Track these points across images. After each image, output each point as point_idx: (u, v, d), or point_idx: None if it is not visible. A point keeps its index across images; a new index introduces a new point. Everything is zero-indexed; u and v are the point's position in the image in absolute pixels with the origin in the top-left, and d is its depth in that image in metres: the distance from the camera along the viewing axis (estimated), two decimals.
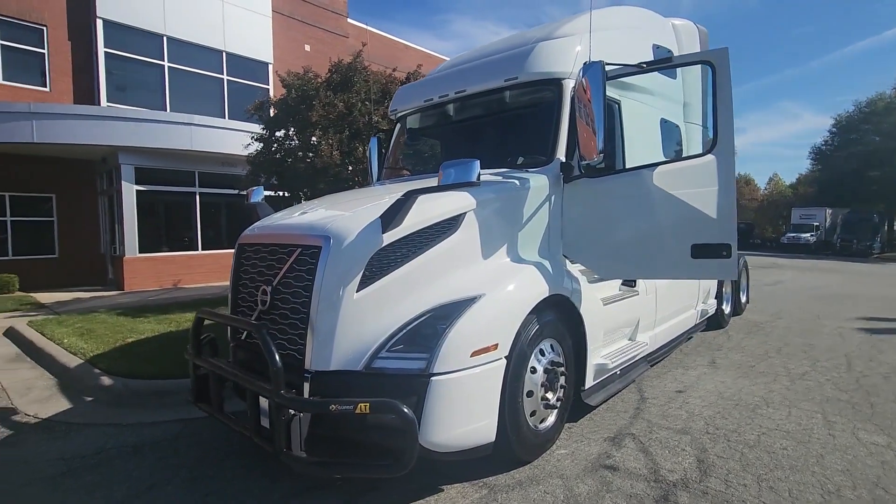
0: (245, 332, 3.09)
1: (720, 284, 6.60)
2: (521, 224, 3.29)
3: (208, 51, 15.05)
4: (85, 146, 11.54)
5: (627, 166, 3.82)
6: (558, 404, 3.20)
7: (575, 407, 3.50)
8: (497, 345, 2.70)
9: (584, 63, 3.13)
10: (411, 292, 2.72)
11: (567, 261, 3.57)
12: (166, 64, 14.18)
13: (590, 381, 3.56)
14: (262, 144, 9.16)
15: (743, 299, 8.01)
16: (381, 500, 2.69)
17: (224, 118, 14.01)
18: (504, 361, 2.75)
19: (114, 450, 3.38)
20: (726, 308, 7.04)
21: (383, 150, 5.08)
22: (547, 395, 3.10)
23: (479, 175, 2.73)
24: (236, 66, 15.59)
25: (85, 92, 13.02)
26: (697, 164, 3.21)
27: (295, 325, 2.69)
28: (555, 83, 3.64)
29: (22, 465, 3.20)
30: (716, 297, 6.55)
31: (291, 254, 2.77)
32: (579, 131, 3.18)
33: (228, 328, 3.26)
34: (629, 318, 4.28)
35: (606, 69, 3.12)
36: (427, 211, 2.81)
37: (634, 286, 4.37)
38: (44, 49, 12.59)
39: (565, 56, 3.65)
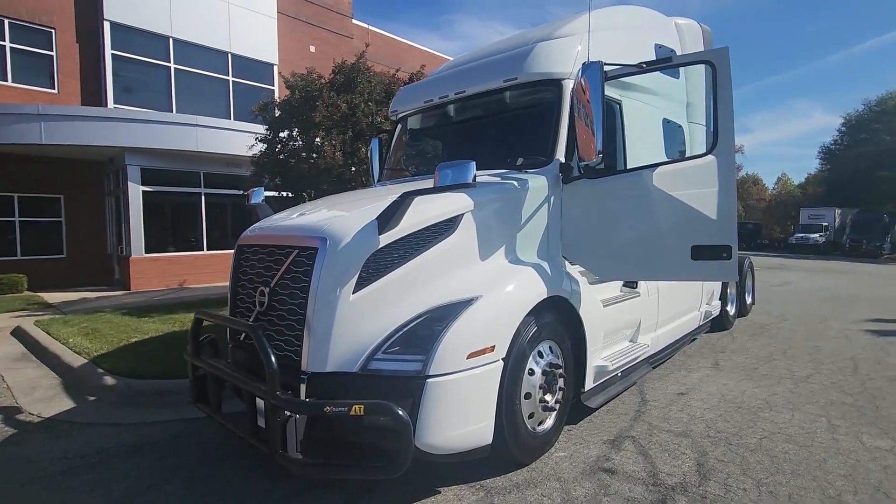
0: (243, 334, 3.10)
1: (724, 286, 6.54)
2: (520, 225, 3.27)
3: (214, 52, 15.16)
4: (92, 147, 11.66)
5: (628, 167, 3.81)
6: (557, 406, 3.18)
7: (575, 409, 3.49)
8: (494, 347, 2.69)
9: (583, 63, 3.11)
10: (408, 294, 2.71)
11: (567, 262, 3.55)
12: (172, 65, 14.29)
13: (589, 384, 3.54)
14: (265, 145, 9.21)
15: (748, 301, 7.94)
16: (377, 501, 2.69)
17: (230, 119, 14.11)
18: (501, 363, 2.74)
19: (114, 449, 3.41)
20: (731, 309, 6.98)
21: (385, 151, 5.09)
22: (545, 397, 3.09)
23: (476, 176, 2.73)
24: (242, 67, 15.69)
25: (92, 94, 13.16)
26: (697, 165, 3.18)
27: (292, 327, 2.70)
28: (554, 84, 3.62)
29: (25, 463, 3.23)
30: (720, 299, 6.50)
31: (289, 255, 2.78)
32: (578, 132, 3.16)
33: (228, 329, 3.27)
34: (630, 320, 4.25)
35: (605, 69, 3.10)
36: (424, 212, 2.80)
37: (636, 287, 4.34)
38: (52, 51, 12.73)
39: (565, 56, 3.63)
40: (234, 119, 14.01)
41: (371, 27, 20.47)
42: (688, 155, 4.99)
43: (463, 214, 2.96)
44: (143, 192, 12.14)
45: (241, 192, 10.66)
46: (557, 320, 3.21)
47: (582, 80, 3.07)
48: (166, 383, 4.38)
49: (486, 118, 4.16)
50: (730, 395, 4.24)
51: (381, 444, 2.45)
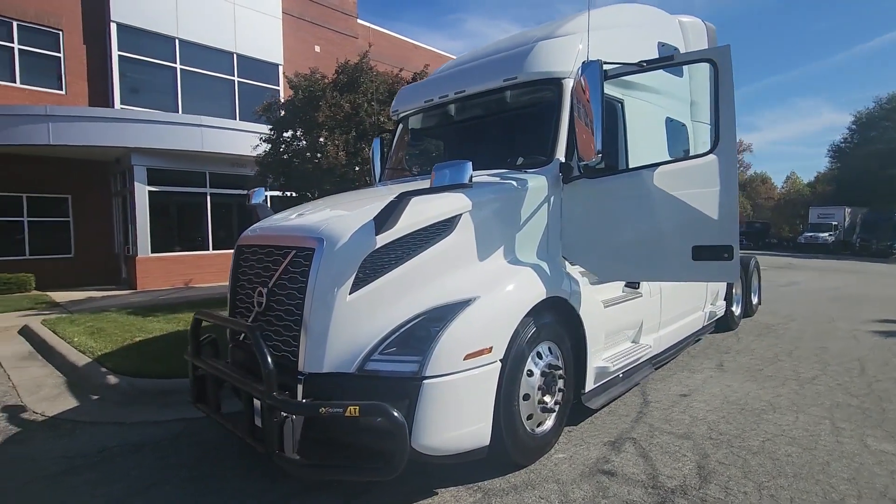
0: (242, 334, 3.11)
1: (730, 286, 6.48)
2: (519, 225, 3.25)
3: (219, 53, 15.24)
4: (99, 147, 11.76)
5: (630, 166, 3.77)
6: (556, 408, 3.16)
7: (575, 410, 3.47)
8: (491, 348, 2.68)
9: (583, 62, 3.09)
10: (405, 294, 2.71)
11: (567, 262, 3.53)
12: (178, 66, 14.39)
13: (590, 385, 3.51)
14: (269, 145, 9.24)
15: (754, 301, 7.86)
16: (374, 502, 2.68)
17: (235, 119, 14.17)
18: (499, 365, 2.72)
19: (116, 448, 3.43)
20: (736, 310, 6.91)
21: (386, 151, 5.09)
22: (544, 398, 3.07)
23: (472, 176, 2.71)
24: (247, 67, 15.76)
25: (99, 95, 13.27)
26: (698, 164, 3.15)
27: (289, 327, 2.70)
28: (555, 83, 3.60)
29: (27, 462, 3.26)
30: (725, 299, 6.43)
31: (286, 255, 2.78)
32: (577, 131, 3.14)
33: (228, 329, 3.28)
34: (632, 321, 4.22)
35: (605, 68, 3.07)
36: (422, 213, 2.79)
37: (638, 288, 4.31)
38: (60, 53, 12.85)
39: (565, 55, 3.61)
40: (240, 119, 14.07)
41: (376, 27, 20.50)
42: (692, 154, 4.93)
43: (461, 215, 2.94)
44: (150, 192, 12.23)
45: (245, 192, 10.73)
46: (557, 321, 3.19)
47: (581, 79, 3.05)
48: (169, 383, 4.41)
49: (487, 118, 4.14)
50: (733, 397, 4.19)
51: (377, 445, 2.45)
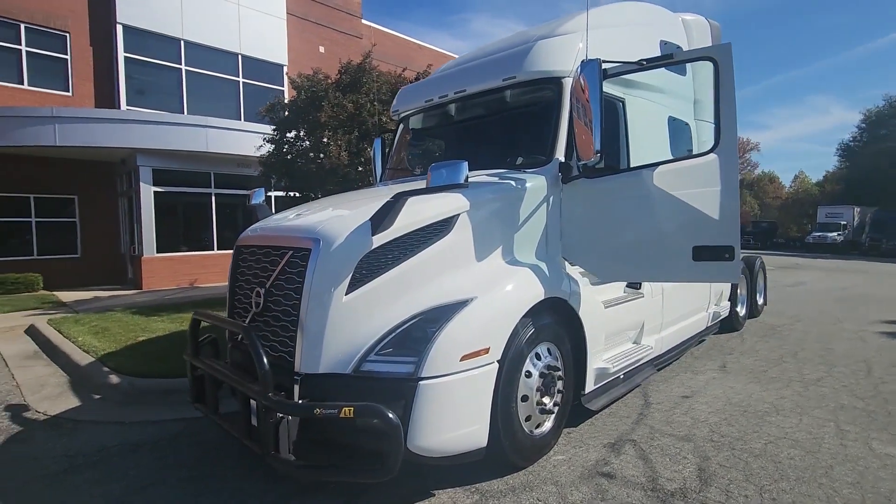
0: (240, 334, 3.11)
1: (734, 286, 6.41)
2: (518, 226, 3.23)
3: (224, 54, 15.31)
4: (105, 149, 11.86)
5: (631, 166, 3.74)
6: (555, 409, 3.14)
7: (576, 412, 3.44)
8: (489, 349, 2.66)
9: (582, 61, 3.06)
10: (402, 295, 2.69)
11: (567, 263, 3.50)
12: (184, 67, 14.47)
13: (590, 386, 3.49)
14: (273, 146, 9.27)
15: (760, 301, 7.78)
16: (373, 503, 2.67)
17: (240, 120, 14.24)
18: (496, 366, 2.70)
19: (115, 448, 3.45)
20: (741, 310, 6.84)
21: (388, 151, 5.08)
22: (543, 399, 3.04)
23: (468, 177, 2.69)
24: (252, 68, 15.83)
25: (106, 96, 13.37)
26: (699, 164, 3.11)
27: (286, 328, 2.69)
28: (554, 82, 3.57)
29: (28, 461, 3.28)
30: (729, 300, 6.36)
31: (283, 256, 2.78)
32: (576, 131, 3.11)
33: (227, 329, 3.29)
34: (633, 321, 4.18)
35: (605, 67, 3.04)
36: (419, 213, 2.78)
37: (640, 288, 4.27)
38: (67, 55, 12.96)
39: (565, 54, 3.58)
40: (245, 120, 14.14)
41: (381, 27, 20.52)
42: (695, 153, 4.89)
43: (458, 215, 2.92)
44: (155, 192, 12.31)
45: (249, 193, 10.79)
46: (556, 322, 3.16)
47: (580, 78, 3.02)
48: (170, 382, 4.42)
49: (487, 117, 4.12)
50: (736, 399, 4.15)
51: (372, 446, 2.43)
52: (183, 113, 14.07)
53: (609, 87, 3.69)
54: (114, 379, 4.64)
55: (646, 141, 4.18)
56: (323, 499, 2.72)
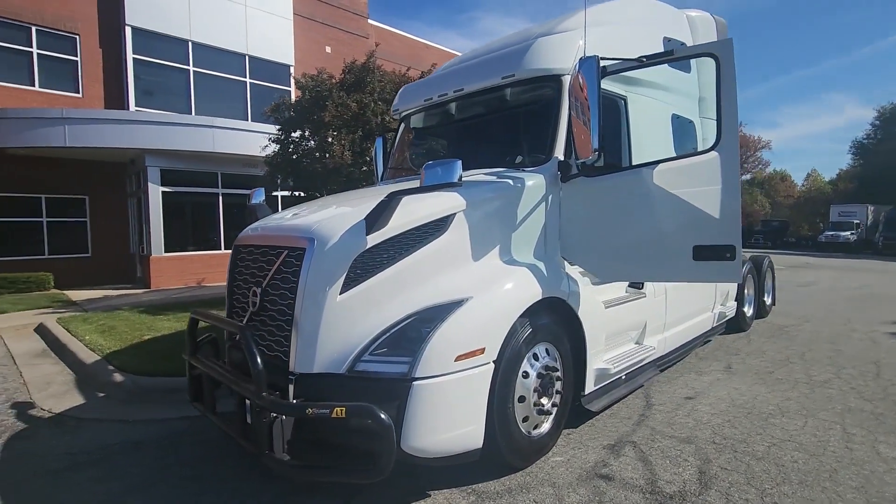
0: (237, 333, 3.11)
1: (741, 286, 6.33)
2: (515, 225, 3.21)
3: (232, 55, 15.43)
4: (114, 149, 12.00)
5: (632, 164, 3.70)
6: (554, 410, 3.11)
7: (575, 413, 3.41)
8: (484, 349, 2.64)
9: (580, 58, 3.03)
10: (397, 295, 2.68)
11: (566, 262, 3.47)
12: (191, 68, 14.60)
13: (590, 387, 3.45)
14: (278, 146, 9.31)
15: (767, 301, 7.66)
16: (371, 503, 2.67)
17: (247, 120, 14.33)
18: (492, 366, 2.68)
19: (117, 445, 3.48)
20: (748, 310, 6.75)
21: (389, 150, 5.07)
22: (541, 400, 3.02)
23: (462, 176, 2.67)
24: (259, 68, 15.93)
25: (115, 97, 13.53)
26: (700, 162, 3.06)
27: (281, 327, 2.70)
28: (553, 80, 3.54)
29: (31, 458, 3.32)
30: (736, 300, 6.28)
31: (279, 255, 2.78)
32: (574, 129, 3.08)
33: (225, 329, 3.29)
34: (635, 322, 4.14)
35: (604, 64, 3.01)
36: (414, 212, 2.77)
37: (642, 288, 4.22)
38: (77, 57, 13.13)
39: (565, 52, 3.54)
40: (252, 120, 14.22)
41: (387, 27, 20.53)
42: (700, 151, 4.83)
43: (455, 214, 2.91)
44: (163, 192, 12.42)
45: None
46: (554, 322, 3.13)
47: (579, 76, 2.99)
48: (172, 381, 4.45)
49: (486, 116, 4.10)
50: (740, 400, 4.08)
51: (366, 446, 2.43)
52: (191, 114, 14.20)
53: (610, 85, 3.65)
54: (118, 377, 4.68)
55: (648, 139, 4.13)
56: (321, 498, 2.71)
